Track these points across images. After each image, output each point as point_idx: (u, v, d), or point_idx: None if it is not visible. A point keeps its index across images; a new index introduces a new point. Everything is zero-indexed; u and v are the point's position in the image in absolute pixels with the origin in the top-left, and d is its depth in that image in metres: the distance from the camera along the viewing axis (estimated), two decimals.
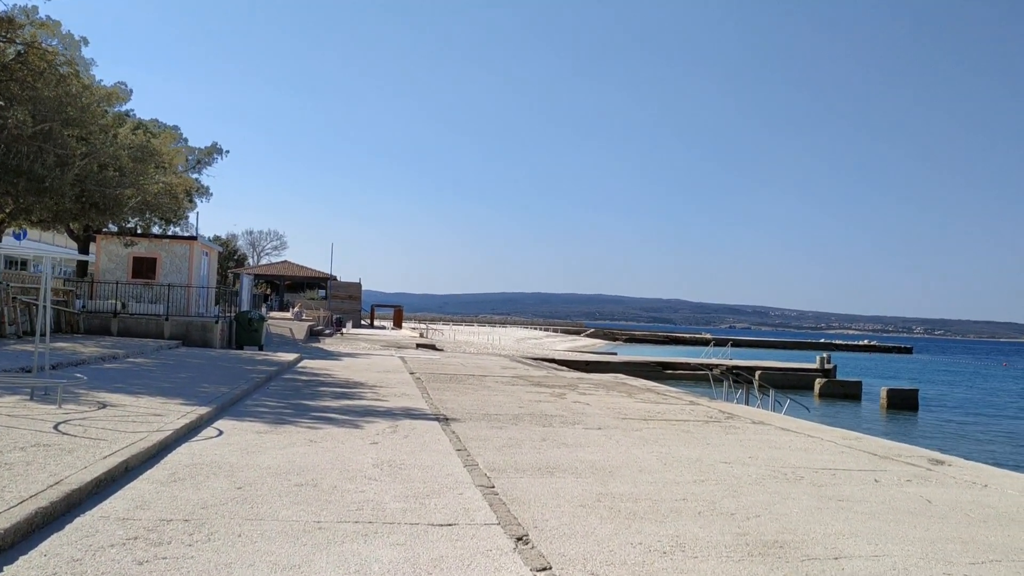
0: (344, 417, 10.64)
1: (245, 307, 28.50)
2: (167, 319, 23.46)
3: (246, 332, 24.60)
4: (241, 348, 24.35)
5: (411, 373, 19.21)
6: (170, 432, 7.95)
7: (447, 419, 11.02)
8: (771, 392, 18.08)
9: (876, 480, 8.05)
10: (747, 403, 19.17)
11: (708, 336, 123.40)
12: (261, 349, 24.44)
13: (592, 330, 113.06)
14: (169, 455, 7.38)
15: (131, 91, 26.63)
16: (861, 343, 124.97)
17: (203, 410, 9.73)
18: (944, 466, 9.25)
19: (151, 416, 9.02)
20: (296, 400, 12.41)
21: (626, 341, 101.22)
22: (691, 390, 23.60)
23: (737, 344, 52.85)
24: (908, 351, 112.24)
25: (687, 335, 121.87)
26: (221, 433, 8.79)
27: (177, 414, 9.24)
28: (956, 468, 9.16)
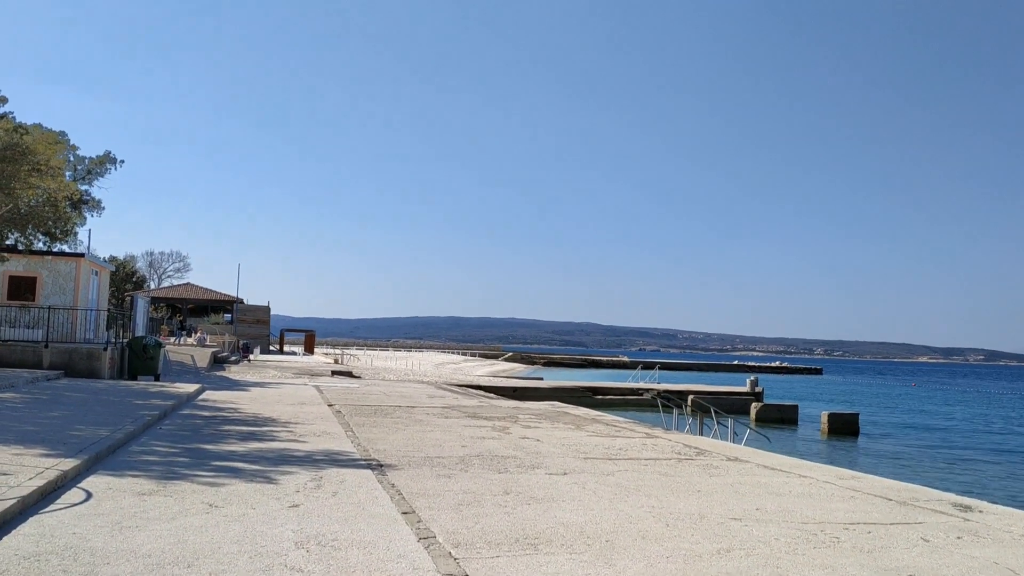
0: (253, 467, 8.58)
1: (140, 332, 25.67)
2: (47, 346, 20.60)
3: (140, 360, 21.91)
4: (134, 378, 21.66)
5: (330, 405, 17.09)
6: (12, 501, 5.81)
7: (381, 465, 9.10)
8: (730, 421, 16.75)
9: (924, 539, 6.56)
10: (700, 432, 17.79)
11: (625, 359, 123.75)
12: (157, 379, 21.80)
13: (510, 354, 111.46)
14: (4, 538, 5.27)
15: (6, 98, 23.74)
16: (773, 364, 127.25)
17: (69, 463, 7.55)
18: (976, 512, 7.89)
19: None
20: (194, 443, 10.24)
21: (544, 365, 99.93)
22: (632, 417, 22.18)
23: (666, 368, 52.09)
24: (818, 372, 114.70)
25: (605, 358, 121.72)
26: (89, 497, 6.66)
27: (32, 471, 7.06)
28: (992, 516, 7.80)
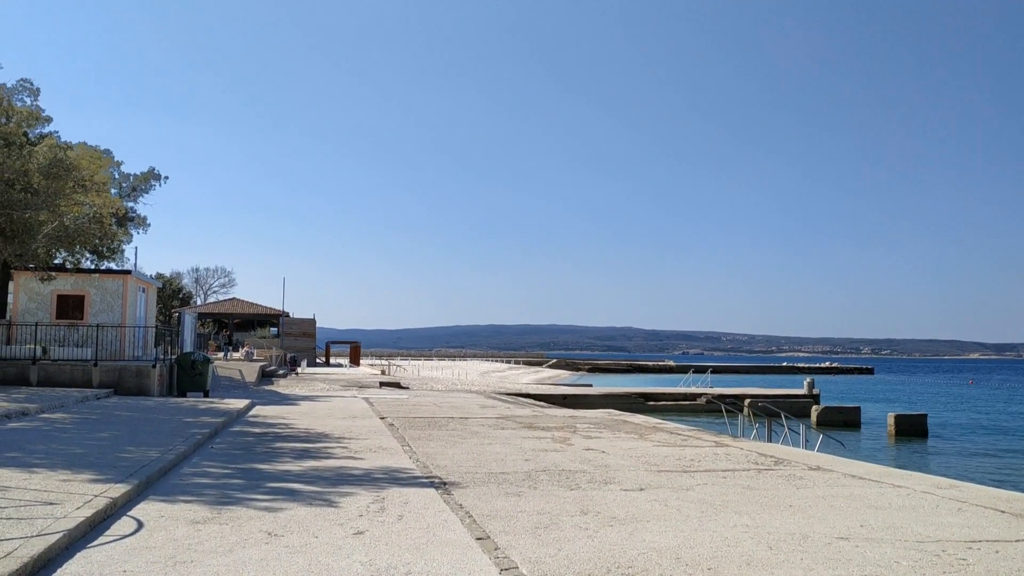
0: (311, 488, 8.10)
1: (188, 348, 25.57)
2: (96, 364, 20.50)
3: (188, 376, 21.74)
4: (184, 395, 21.50)
5: (382, 418, 16.65)
6: (57, 536, 5.37)
7: (444, 483, 8.56)
8: (801, 427, 15.94)
9: None
10: (769, 439, 16.97)
11: (671, 363, 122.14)
12: (206, 395, 21.61)
13: (554, 361, 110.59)
14: None
15: (50, 117, 23.85)
16: (823, 365, 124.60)
17: (119, 489, 7.13)
18: None
19: (40, 505, 6.41)
20: (247, 463, 9.81)
21: (589, 371, 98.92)
22: (688, 423, 21.42)
23: (715, 371, 51.04)
24: (870, 372, 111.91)
25: (650, 363, 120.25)
26: (140, 527, 6.21)
27: (80, 499, 6.64)
28: None
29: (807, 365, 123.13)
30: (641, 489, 8.46)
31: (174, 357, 22.79)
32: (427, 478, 8.93)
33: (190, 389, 21.74)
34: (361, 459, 10.41)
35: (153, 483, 8.09)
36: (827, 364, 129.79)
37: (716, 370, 53.70)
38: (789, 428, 16.45)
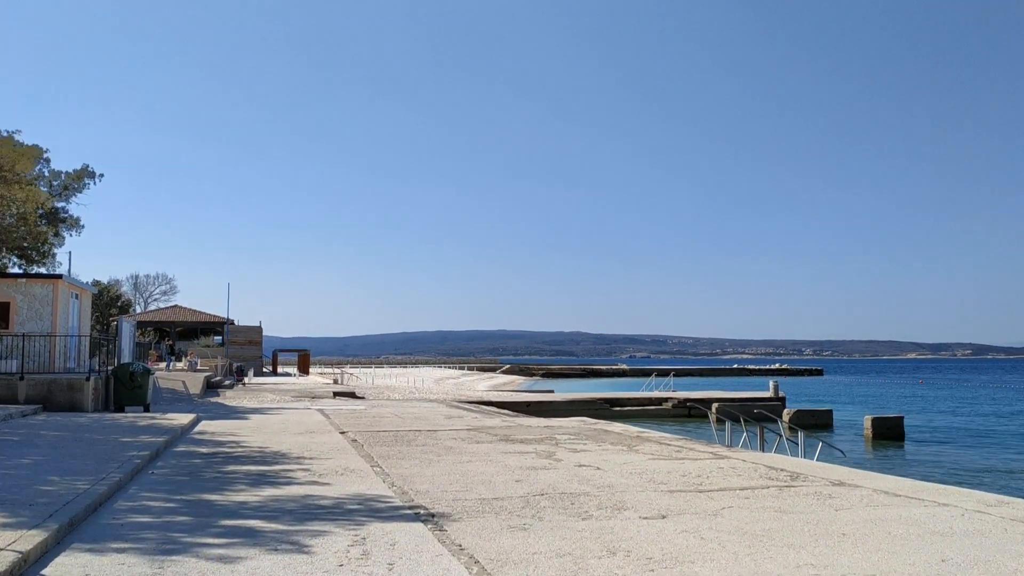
0: (274, 527, 6.73)
1: (127, 358, 23.71)
2: (22, 378, 18.63)
3: (127, 389, 19.96)
4: (122, 410, 19.72)
5: (342, 433, 15.23)
6: None
7: (433, 515, 7.27)
8: (800, 434, 14.98)
9: None
10: (761, 447, 15.99)
11: (625, 367, 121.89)
12: (147, 410, 19.86)
13: (507, 366, 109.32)
14: None
15: None
16: (774, 367, 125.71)
17: (33, 538, 5.69)
18: None
19: None
20: (195, 493, 8.37)
21: (543, 376, 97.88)
22: (656, 428, 20.51)
23: (677, 375, 50.37)
24: (820, 373, 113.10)
25: (604, 367, 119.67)
26: None
27: None
28: None
29: (757, 367, 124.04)
30: (663, 516, 7.28)
31: (111, 369, 20.99)
32: (410, 508, 7.62)
33: (129, 403, 19.97)
34: (328, 484, 9.04)
35: (78, 525, 6.63)
36: (777, 366, 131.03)
37: (679, 374, 53.10)
38: (776, 434, 15.52)
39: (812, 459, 13.44)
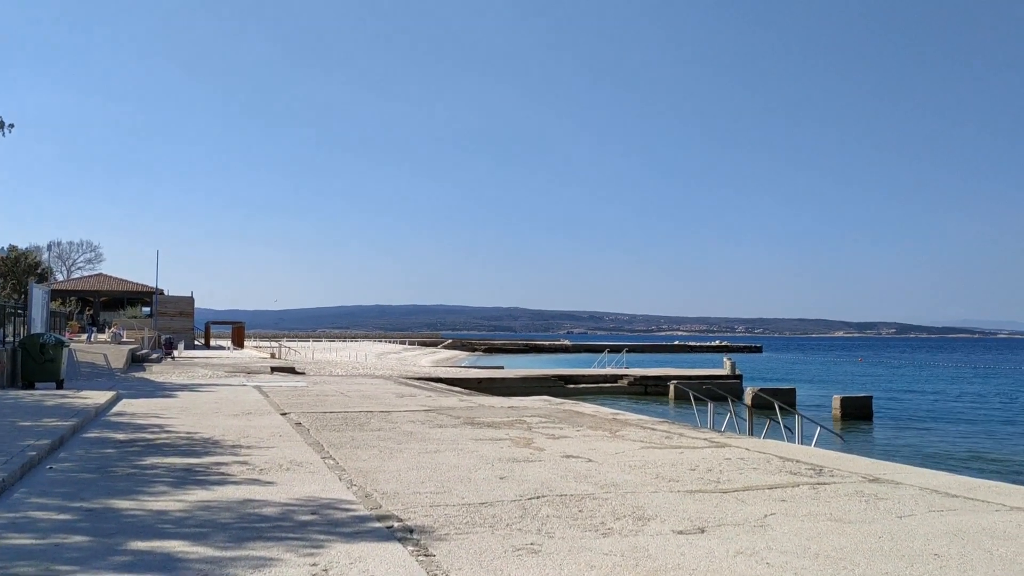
0: (202, 550, 5.04)
1: (38, 328, 21.36)
2: None
3: (37, 363, 17.77)
4: (31, 386, 17.55)
5: (284, 414, 13.48)
6: None
7: (411, 530, 5.67)
8: (797, 419, 13.81)
9: None
10: (751, 431, 14.78)
11: (567, 343, 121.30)
12: (60, 386, 17.73)
13: (449, 341, 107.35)
14: None
15: None
16: (714, 344, 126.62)
17: None
18: None
19: None
20: (101, 498, 6.60)
21: (486, 351, 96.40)
22: (613, 405, 19.34)
23: (629, 351, 49.39)
24: (759, 350, 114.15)
25: (546, 343, 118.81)
26: None
27: None
28: None
29: (699, 344, 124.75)
30: (701, 530, 5.82)
31: (18, 340, 18.73)
32: (379, 519, 6.01)
33: (39, 379, 17.80)
34: (271, 484, 7.35)
35: None
36: (717, 343, 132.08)
37: (631, 350, 52.20)
38: (766, 417, 14.36)
39: (810, 445, 12.26)
